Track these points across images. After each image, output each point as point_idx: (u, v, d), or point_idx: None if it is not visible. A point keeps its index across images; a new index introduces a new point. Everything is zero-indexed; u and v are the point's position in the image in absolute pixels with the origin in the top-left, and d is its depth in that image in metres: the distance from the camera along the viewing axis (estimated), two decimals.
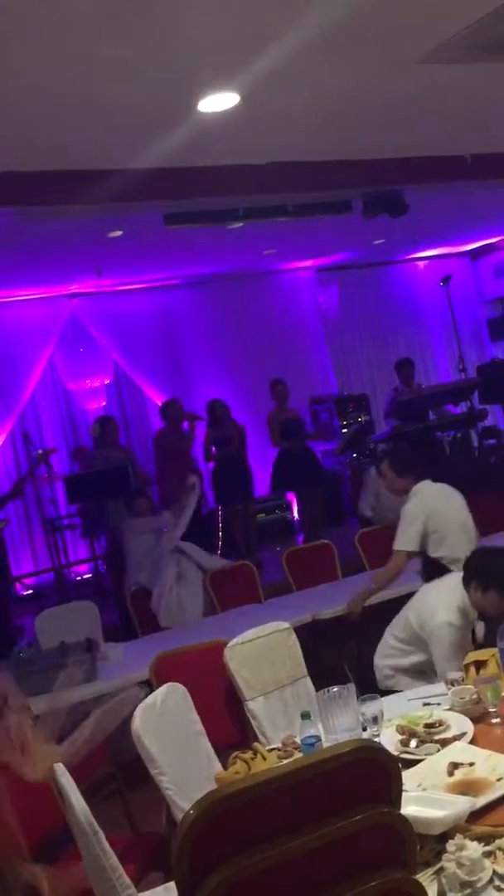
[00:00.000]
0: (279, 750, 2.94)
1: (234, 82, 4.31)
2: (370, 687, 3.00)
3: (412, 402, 9.33)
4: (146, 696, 3.02)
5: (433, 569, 4.49)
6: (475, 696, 2.89)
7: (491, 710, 2.84)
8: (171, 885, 2.00)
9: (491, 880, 1.93)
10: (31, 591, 8.88)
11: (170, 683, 3.23)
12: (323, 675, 3.79)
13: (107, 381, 9.93)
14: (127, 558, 6.33)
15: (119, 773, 3.94)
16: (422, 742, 2.69)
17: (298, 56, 4.07)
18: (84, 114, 4.36)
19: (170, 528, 6.21)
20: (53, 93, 4.05)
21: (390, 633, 3.98)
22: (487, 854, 1.99)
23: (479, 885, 1.92)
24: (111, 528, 7.47)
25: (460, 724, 2.79)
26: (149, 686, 3.73)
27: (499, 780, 2.36)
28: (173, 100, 4.43)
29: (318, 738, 2.76)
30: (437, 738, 2.71)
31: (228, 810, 1.63)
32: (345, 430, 10.44)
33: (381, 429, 9.98)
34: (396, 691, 3.76)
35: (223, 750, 3.16)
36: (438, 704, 3.03)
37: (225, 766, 2.93)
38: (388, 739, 2.73)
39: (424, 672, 3.77)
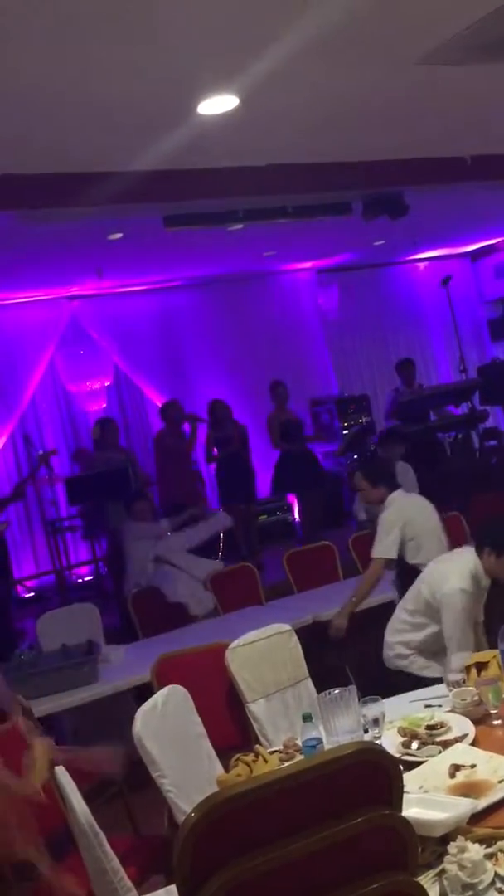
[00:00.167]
0: (280, 752, 2.94)
1: (233, 84, 4.32)
2: (372, 689, 3.00)
3: (413, 403, 9.34)
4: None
5: (409, 576, 4.53)
6: (476, 698, 2.89)
7: (492, 711, 2.84)
8: (173, 887, 2.00)
9: (493, 882, 1.93)
10: (32, 594, 8.88)
11: (171, 686, 3.24)
12: (324, 676, 3.80)
13: (107, 383, 9.93)
14: (127, 562, 6.33)
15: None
16: (423, 744, 2.69)
17: (297, 58, 4.07)
18: (84, 116, 4.36)
19: (172, 537, 6.24)
20: (53, 95, 4.05)
21: (402, 609, 4.00)
22: (489, 856, 1.99)
23: (480, 887, 1.91)
24: (112, 530, 7.47)
25: (462, 725, 2.79)
26: (150, 689, 3.74)
27: (500, 781, 2.35)
28: (173, 102, 4.43)
29: (320, 741, 2.76)
30: (438, 739, 2.70)
31: (230, 813, 1.63)
32: (345, 432, 10.44)
33: (382, 429, 9.98)
34: (407, 673, 3.77)
35: (224, 752, 3.16)
36: (440, 706, 3.03)
37: (226, 769, 2.93)
38: (390, 741, 2.73)
39: (437, 653, 3.78)
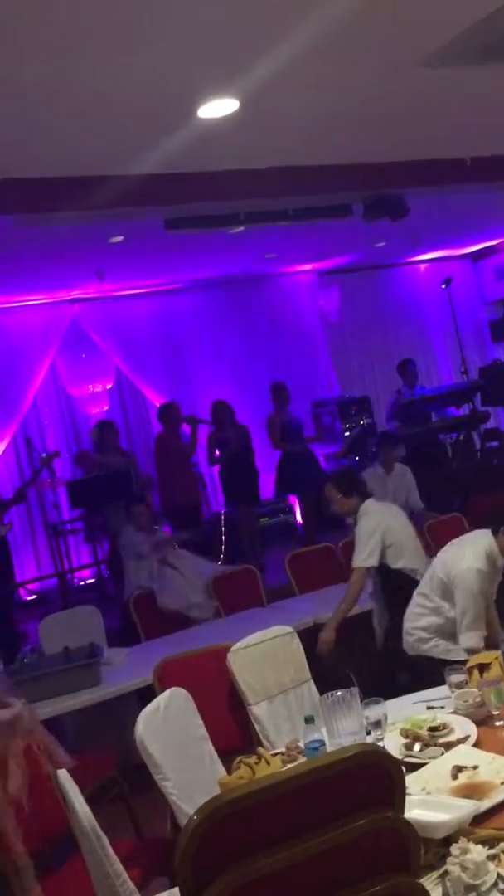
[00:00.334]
0: (283, 754, 2.94)
1: (233, 88, 4.32)
2: (373, 690, 3.00)
3: (414, 404, 9.34)
4: None
5: (393, 582, 4.56)
6: (479, 700, 2.89)
7: (494, 713, 2.84)
8: (176, 890, 2.00)
9: (495, 883, 1.93)
10: (34, 597, 8.87)
11: (173, 688, 3.24)
12: (326, 678, 3.80)
13: (109, 386, 9.94)
14: (125, 569, 6.30)
15: (123, 777, 3.95)
16: (425, 746, 2.69)
17: (297, 61, 4.07)
18: (85, 120, 4.37)
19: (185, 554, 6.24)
20: (54, 99, 4.06)
21: (419, 594, 4.00)
22: (492, 857, 1.99)
23: (483, 888, 1.91)
24: (114, 533, 7.47)
25: (464, 727, 2.79)
26: (152, 691, 3.74)
27: (503, 783, 2.35)
28: (173, 106, 4.44)
29: (322, 743, 2.76)
30: (440, 741, 2.70)
31: (232, 815, 1.63)
32: (347, 434, 10.44)
33: (383, 431, 9.97)
34: (429, 657, 3.76)
35: (227, 754, 3.16)
36: (442, 708, 3.03)
37: (228, 771, 2.93)
38: (392, 743, 2.73)
39: (455, 635, 3.77)
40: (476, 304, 12.50)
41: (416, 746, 2.69)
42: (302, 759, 2.80)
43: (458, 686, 3.02)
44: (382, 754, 1.80)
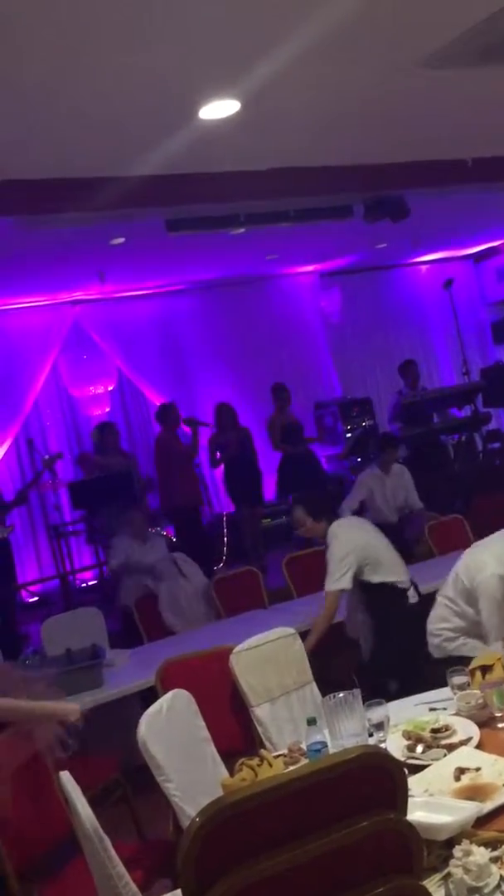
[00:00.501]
0: (285, 756, 2.94)
1: (234, 89, 4.33)
2: (375, 692, 3.00)
3: (416, 405, 9.34)
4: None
5: (376, 595, 4.57)
6: (481, 701, 2.88)
7: (497, 714, 2.84)
8: (179, 892, 2.00)
9: (498, 885, 1.92)
10: (36, 598, 8.88)
11: (175, 690, 3.23)
12: (328, 680, 3.79)
13: (110, 388, 9.95)
14: (119, 577, 6.25)
15: (126, 779, 3.95)
16: (428, 747, 2.68)
17: (298, 62, 4.07)
18: (86, 121, 4.37)
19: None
20: (55, 100, 4.06)
21: (443, 597, 3.92)
22: (494, 859, 1.98)
23: (486, 890, 1.91)
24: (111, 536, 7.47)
25: (466, 728, 2.78)
26: (155, 693, 3.74)
27: None
28: (174, 107, 4.44)
29: (325, 744, 2.76)
30: (443, 743, 2.70)
31: (235, 817, 1.62)
32: (349, 435, 10.44)
33: (385, 432, 9.98)
34: (458, 656, 3.73)
35: (229, 756, 3.16)
36: (444, 709, 3.02)
37: (231, 773, 2.93)
38: (395, 745, 2.72)
39: (482, 636, 3.72)
40: (477, 305, 12.50)
41: (419, 748, 2.69)
42: (304, 761, 2.80)
43: (461, 688, 3.02)
44: (385, 756, 1.80)
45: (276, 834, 1.65)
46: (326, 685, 3.52)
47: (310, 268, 11.10)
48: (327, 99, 4.74)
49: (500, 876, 1.94)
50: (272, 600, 5.90)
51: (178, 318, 10.51)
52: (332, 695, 2.84)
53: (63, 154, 4.75)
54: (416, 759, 2.64)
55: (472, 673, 3.07)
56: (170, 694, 3.19)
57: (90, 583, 9.17)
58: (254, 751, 3.12)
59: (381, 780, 1.74)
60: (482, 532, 6.49)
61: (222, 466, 8.90)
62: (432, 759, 2.61)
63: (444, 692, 3.16)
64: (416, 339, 12.12)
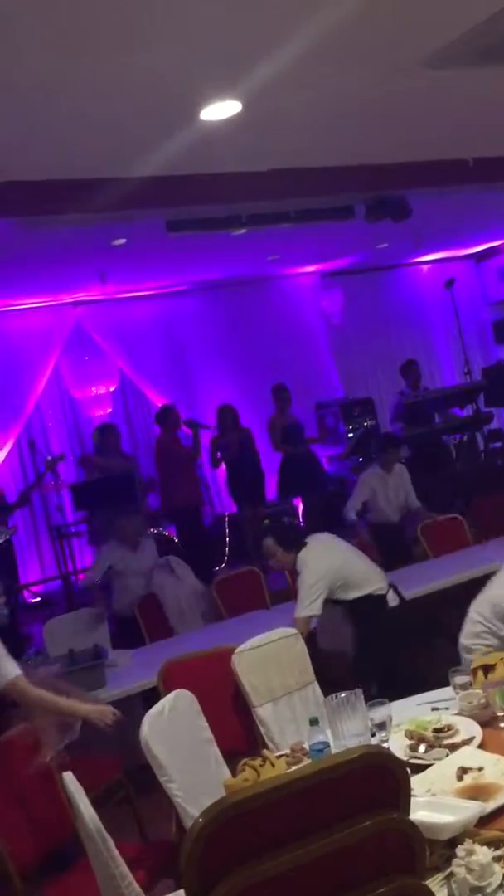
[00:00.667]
0: (288, 756, 2.94)
1: (235, 90, 4.32)
2: (377, 692, 3.00)
3: (418, 405, 9.34)
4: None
5: (357, 609, 4.57)
6: (483, 701, 2.88)
7: (499, 714, 2.84)
8: (182, 892, 2.00)
9: (501, 885, 1.92)
10: (38, 599, 8.89)
11: (178, 690, 3.24)
12: (330, 680, 3.79)
13: (112, 389, 9.95)
14: (112, 587, 6.24)
15: (128, 780, 3.95)
16: (430, 747, 2.69)
17: (299, 62, 4.07)
18: (87, 122, 4.37)
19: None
20: (56, 101, 4.06)
21: (476, 612, 3.80)
22: (497, 859, 1.98)
23: (489, 889, 1.91)
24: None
25: (469, 728, 2.78)
26: (157, 693, 3.75)
27: None
28: (175, 108, 4.44)
29: (327, 744, 2.76)
30: (445, 742, 2.70)
31: (237, 817, 1.63)
32: (350, 435, 10.45)
33: (386, 432, 9.98)
34: None
35: (231, 756, 3.16)
36: (447, 709, 3.02)
37: (233, 773, 2.93)
38: (397, 744, 2.73)
39: None
40: (479, 304, 12.50)
41: (421, 748, 2.69)
42: (307, 761, 2.80)
43: (463, 687, 3.02)
44: (387, 756, 1.80)
45: (279, 834, 1.65)
46: (328, 685, 3.53)
47: (311, 268, 11.10)
48: (328, 99, 4.74)
49: (503, 875, 1.94)
50: (274, 601, 5.90)
51: (180, 318, 10.51)
52: (334, 695, 2.85)
53: (64, 155, 4.75)
54: (419, 758, 2.64)
55: (474, 672, 3.07)
56: (172, 694, 3.20)
57: None
58: (256, 751, 3.13)
59: (383, 780, 1.74)
60: (485, 533, 6.50)
61: (224, 467, 8.91)
62: (435, 759, 2.61)
63: (447, 692, 3.16)
64: (418, 339, 12.11)
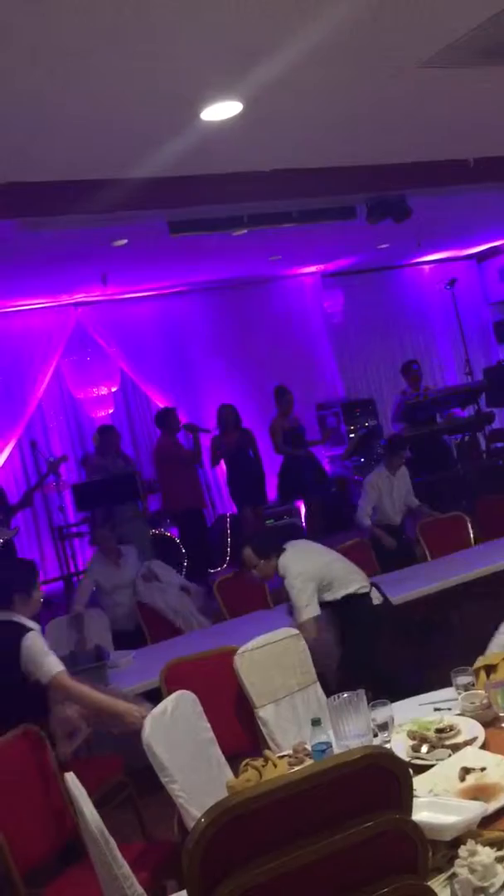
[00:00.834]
0: (290, 757, 2.94)
1: (236, 91, 4.33)
2: (379, 692, 3.00)
3: (419, 405, 9.34)
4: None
5: (341, 611, 4.56)
6: (486, 701, 2.88)
7: (502, 714, 2.84)
8: (184, 893, 2.00)
9: (503, 885, 1.92)
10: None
11: (180, 691, 3.24)
12: (331, 680, 3.79)
13: (114, 389, 9.95)
14: (102, 605, 6.16)
15: (131, 781, 3.95)
16: (433, 747, 2.68)
17: (300, 63, 4.08)
18: (88, 124, 4.38)
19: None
20: (56, 103, 4.06)
21: None
22: (500, 859, 1.98)
23: (491, 890, 1.91)
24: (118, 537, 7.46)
25: (471, 728, 2.78)
26: (159, 694, 3.74)
27: None
28: (177, 109, 4.44)
29: (329, 745, 2.75)
30: (448, 743, 2.70)
31: (240, 818, 1.63)
32: (352, 435, 10.44)
33: (388, 433, 9.99)
34: None
35: (234, 757, 3.16)
36: (449, 709, 3.02)
37: (236, 774, 2.93)
38: (399, 745, 2.72)
39: None
40: (480, 304, 12.50)
41: (424, 748, 2.69)
42: (309, 762, 2.80)
43: (465, 688, 3.02)
44: (390, 756, 1.80)
45: (281, 834, 1.65)
46: (329, 685, 3.53)
47: (313, 269, 11.11)
48: (329, 100, 4.75)
49: None
50: (276, 601, 5.89)
51: (181, 319, 10.52)
52: (336, 695, 2.85)
53: (65, 156, 4.75)
54: (421, 759, 2.64)
55: (476, 673, 3.07)
56: (174, 695, 3.20)
57: None
58: (258, 752, 3.13)
59: (385, 781, 1.74)
60: (486, 532, 6.49)
61: (225, 468, 8.90)
62: (437, 760, 2.61)
63: (449, 692, 3.16)
64: (419, 340, 12.12)
